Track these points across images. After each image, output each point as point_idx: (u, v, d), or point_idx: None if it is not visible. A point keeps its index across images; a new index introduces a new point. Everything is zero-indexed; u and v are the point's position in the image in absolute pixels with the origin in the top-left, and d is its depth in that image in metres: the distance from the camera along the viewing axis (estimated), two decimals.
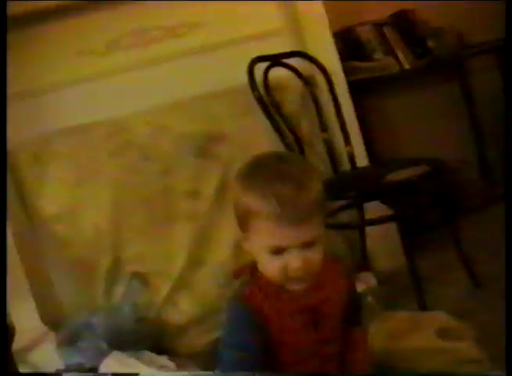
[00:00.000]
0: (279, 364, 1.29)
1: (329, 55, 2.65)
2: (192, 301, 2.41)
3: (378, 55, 3.14)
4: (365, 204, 2.47)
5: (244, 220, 1.23)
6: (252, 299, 1.26)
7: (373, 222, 2.32)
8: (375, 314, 2.13)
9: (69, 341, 2.26)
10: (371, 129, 2.90)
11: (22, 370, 2.28)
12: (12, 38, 2.42)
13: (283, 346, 1.28)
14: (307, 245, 1.19)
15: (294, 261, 1.18)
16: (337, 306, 1.33)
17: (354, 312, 1.39)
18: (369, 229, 2.49)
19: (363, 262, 2.53)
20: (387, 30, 3.18)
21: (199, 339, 2.33)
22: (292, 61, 2.50)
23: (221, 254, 2.41)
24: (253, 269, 1.29)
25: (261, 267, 1.26)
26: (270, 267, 1.22)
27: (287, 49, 2.53)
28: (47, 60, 2.50)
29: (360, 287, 2.32)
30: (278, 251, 1.19)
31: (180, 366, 2.07)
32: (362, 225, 2.36)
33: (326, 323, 1.31)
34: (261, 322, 1.25)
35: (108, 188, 2.45)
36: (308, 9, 2.64)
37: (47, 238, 2.51)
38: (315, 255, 1.21)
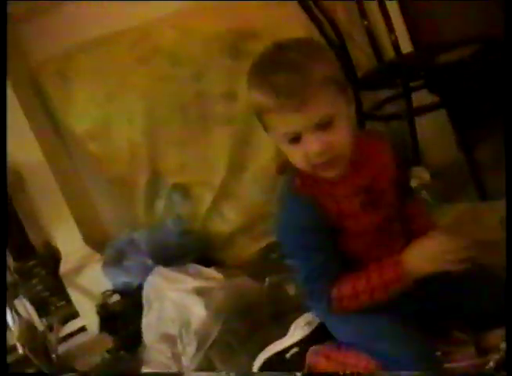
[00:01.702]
0: (349, 258, 1.29)
1: None
2: (237, 209, 2.37)
3: None
4: (413, 95, 2.32)
5: (260, 117, 1.24)
6: (305, 188, 1.25)
7: (421, 110, 2.21)
8: (432, 209, 2.04)
9: (114, 260, 2.26)
10: (413, 12, 2.71)
11: (71, 292, 2.30)
12: None
13: (347, 234, 1.27)
14: (322, 127, 1.17)
15: (311, 145, 1.18)
16: (389, 182, 1.32)
17: (405, 185, 1.41)
18: (418, 121, 2.37)
19: (414, 156, 2.42)
20: None
21: (246, 248, 2.31)
22: None
23: (262, 157, 2.34)
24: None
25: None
26: (293, 157, 1.22)
27: None
28: None
29: (414, 182, 2.22)
30: (294, 138, 1.19)
31: (228, 277, 2.03)
32: (410, 114, 2.23)
33: (383, 201, 1.30)
34: (321, 210, 1.24)
35: (139, 99, 2.37)
36: None
37: (81, 157, 2.48)
38: (336, 136, 1.19)
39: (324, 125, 1.17)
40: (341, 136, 1.19)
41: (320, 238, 1.26)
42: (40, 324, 2.22)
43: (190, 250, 2.20)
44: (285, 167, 1.30)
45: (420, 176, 2.30)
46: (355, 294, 1.24)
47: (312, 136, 1.17)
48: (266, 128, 1.25)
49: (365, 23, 2.36)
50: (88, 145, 2.42)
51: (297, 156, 1.21)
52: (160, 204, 2.40)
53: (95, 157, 2.43)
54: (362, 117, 2.16)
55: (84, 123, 2.39)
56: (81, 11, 2.40)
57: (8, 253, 2.34)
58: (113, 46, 2.38)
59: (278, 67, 1.18)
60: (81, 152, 2.46)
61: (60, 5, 2.39)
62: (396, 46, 2.36)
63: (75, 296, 2.35)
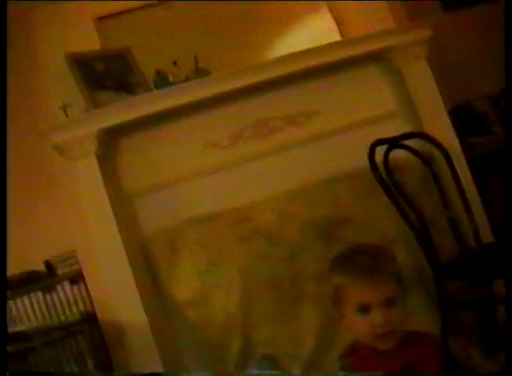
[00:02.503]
0: None
1: (446, 132, 2.68)
2: None
3: (496, 128, 3.12)
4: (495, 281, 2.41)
5: (338, 294, 1.53)
6: (354, 367, 1.52)
7: (502, 301, 2.25)
8: None
9: None
10: (494, 204, 2.85)
11: None
12: (145, 135, 2.66)
13: None
14: (388, 303, 1.47)
15: (379, 317, 1.45)
16: (434, 363, 1.51)
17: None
18: (501, 306, 2.42)
19: (497, 341, 2.45)
20: (503, 102, 3.16)
21: None
22: (410, 142, 2.54)
23: (349, 336, 2.40)
24: (353, 345, 1.57)
25: (356, 332, 1.52)
26: (359, 324, 1.49)
27: (404, 131, 2.58)
28: (176, 155, 2.68)
29: (496, 367, 2.27)
30: (364, 308, 1.47)
31: None
32: (491, 304, 2.30)
33: None
34: None
35: (237, 273, 2.55)
36: (421, 89, 2.70)
37: (180, 322, 2.61)
38: (397, 314, 1.47)
39: (390, 302, 1.47)
40: (399, 315, 1.48)
41: None
42: None
43: None
44: (345, 353, 1.59)
45: (501, 360, 2.34)
46: None
47: (379, 310, 1.46)
48: (342, 307, 1.53)
49: (447, 212, 2.52)
50: (187, 311, 2.56)
51: (363, 324, 1.48)
52: (250, 373, 2.49)
53: (192, 322, 2.56)
54: (445, 303, 2.25)
55: (185, 291, 2.56)
56: (190, 190, 2.67)
57: None
58: (218, 223, 2.60)
59: (362, 254, 1.54)
60: (179, 317, 2.59)
61: (172, 183, 2.68)
62: (476, 234, 2.46)
63: None
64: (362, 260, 1.51)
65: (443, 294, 2.25)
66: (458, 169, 2.56)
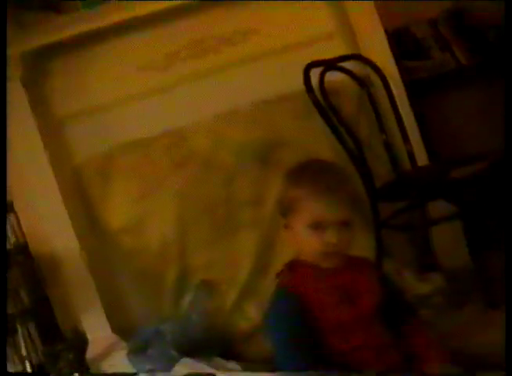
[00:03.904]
0: (330, 341, 1.45)
1: (383, 55, 2.62)
2: (259, 308, 2.42)
3: (434, 52, 3.10)
4: (429, 203, 2.43)
5: (291, 206, 1.48)
6: (293, 286, 1.48)
7: (436, 222, 2.30)
8: (442, 314, 2.13)
9: (139, 349, 2.31)
10: (430, 128, 2.86)
11: None
12: (74, 57, 2.56)
13: (328, 325, 1.45)
14: (343, 224, 1.45)
15: (332, 236, 1.43)
16: (371, 288, 1.52)
17: (400, 307, 1.59)
18: (434, 229, 2.46)
19: (429, 262, 2.50)
20: (442, 27, 3.14)
21: (266, 344, 2.34)
22: (347, 64, 2.50)
23: (285, 260, 2.40)
24: (291, 263, 1.56)
25: (302, 247, 1.50)
26: (312, 242, 1.45)
27: (341, 53, 2.53)
28: (109, 77, 2.60)
29: (428, 288, 2.33)
30: (319, 225, 1.44)
31: (249, 371, 2.10)
32: (425, 225, 2.33)
33: (363, 302, 1.49)
34: (305, 307, 1.44)
35: (172, 199, 2.51)
36: (360, 11, 2.63)
37: (115, 250, 2.58)
38: (348, 236, 1.47)
39: (344, 224, 1.45)
40: (350, 238, 1.48)
41: (301, 332, 1.43)
42: None
43: (213, 343, 2.26)
44: (281, 272, 1.56)
45: (433, 281, 2.40)
46: None
47: (334, 229, 1.44)
48: (293, 217, 1.49)
49: (384, 136, 2.51)
50: (122, 239, 2.54)
51: (316, 241, 1.45)
52: (187, 299, 2.47)
53: (127, 250, 2.54)
54: (379, 226, 2.27)
55: (119, 218, 2.53)
56: (123, 114, 2.60)
57: (37, 336, 2.45)
58: (152, 148, 2.54)
59: (327, 173, 1.51)
60: (114, 245, 2.56)
61: (104, 108, 2.60)
62: (412, 158, 2.47)
63: None
64: (322, 177, 1.48)
65: (377, 217, 2.26)
66: (395, 93, 2.53)
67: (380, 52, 2.62)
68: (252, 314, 2.45)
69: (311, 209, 1.45)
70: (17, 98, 2.47)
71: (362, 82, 2.54)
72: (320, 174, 1.50)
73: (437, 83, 3.06)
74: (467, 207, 2.18)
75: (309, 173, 1.51)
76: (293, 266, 1.54)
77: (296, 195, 1.47)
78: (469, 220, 2.18)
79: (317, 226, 1.44)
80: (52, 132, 2.58)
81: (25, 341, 2.38)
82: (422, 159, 2.57)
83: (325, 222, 1.44)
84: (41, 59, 2.53)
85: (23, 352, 2.36)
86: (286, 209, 1.51)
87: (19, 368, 2.34)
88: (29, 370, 2.33)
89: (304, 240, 1.47)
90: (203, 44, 2.60)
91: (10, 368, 2.33)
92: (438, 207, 2.39)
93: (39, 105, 2.55)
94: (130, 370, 2.28)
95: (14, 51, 2.41)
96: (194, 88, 2.59)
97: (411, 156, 2.48)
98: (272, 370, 2.02)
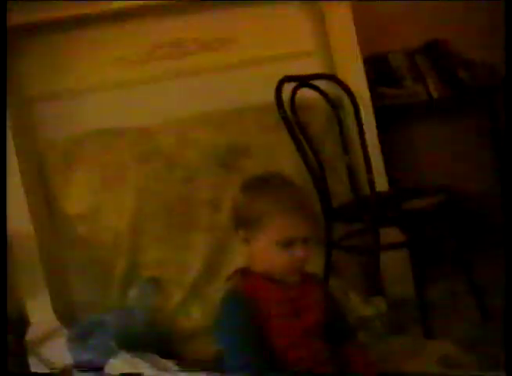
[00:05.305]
0: (275, 350, 1.47)
1: (357, 79, 2.67)
2: (204, 311, 2.45)
3: (407, 82, 3.17)
4: (381, 229, 2.48)
5: (255, 221, 1.47)
6: (245, 291, 1.48)
7: (385, 248, 2.34)
8: (380, 338, 2.17)
9: (80, 337, 2.30)
10: (394, 155, 2.92)
11: (32, 361, 2.35)
12: (51, 39, 2.55)
13: (275, 331, 1.46)
14: (306, 241, 1.46)
15: (300, 251, 1.45)
16: (317, 305, 1.55)
17: (339, 321, 1.63)
18: (383, 255, 2.50)
19: (376, 287, 2.54)
20: (418, 59, 3.21)
21: (206, 348, 2.28)
22: (320, 83, 2.53)
23: (236, 266, 2.43)
24: (243, 270, 1.55)
25: (268, 263, 1.49)
26: (280, 259, 1.46)
27: (317, 71, 2.57)
28: (84, 64, 2.59)
29: (370, 311, 2.38)
30: (288, 243, 1.45)
31: (186, 371, 2.10)
32: (375, 249, 2.37)
33: (309, 316, 1.52)
34: (256, 312, 1.45)
35: (131, 193, 2.52)
36: (340, 34, 2.68)
37: (67, 237, 2.57)
38: (310, 252, 1.49)
39: (307, 240, 1.47)
40: (311, 252, 1.49)
41: (250, 336, 1.44)
42: None
43: (153, 340, 2.25)
44: (232, 276, 1.56)
45: (377, 305, 2.45)
46: None
47: (301, 245, 1.45)
48: (258, 233, 1.47)
49: (347, 158, 2.54)
50: (77, 226, 2.54)
51: (284, 258, 1.45)
52: (133, 293, 2.48)
53: (80, 238, 2.53)
54: (330, 245, 2.31)
55: (77, 206, 2.53)
56: (94, 102, 2.60)
57: None
58: (117, 140, 2.55)
59: (290, 188, 1.52)
60: (68, 231, 2.56)
61: (75, 93, 2.60)
62: (372, 184, 2.49)
63: (35, 365, 2.36)
64: (286, 192, 1.49)
65: (330, 236, 2.30)
66: (364, 118, 2.57)
67: (355, 76, 2.68)
68: (196, 315, 2.46)
69: (280, 226, 1.45)
70: None
71: (333, 103, 2.57)
72: (283, 189, 1.50)
73: (406, 112, 3.14)
74: (415, 237, 2.22)
75: (272, 187, 1.51)
76: (246, 274, 1.54)
77: (261, 210, 1.46)
78: (415, 250, 2.22)
79: (287, 244, 1.45)
80: (20, 112, 2.55)
81: None
82: (382, 184, 2.62)
83: (293, 238, 1.45)
84: (17, 38, 2.50)
85: None
86: (246, 223, 1.49)
87: None
88: None
89: (272, 256, 1.47)
90: (182, 45, 2.62)
91: None
92: (392, 234, 2.44)
93: (11, 81, 2.48)
94: (68, 358, 2.29)
95: None
96: (168, 87, 2.60)
97: (371, 181, 2.51)
98: (207, 370, 2.07)
